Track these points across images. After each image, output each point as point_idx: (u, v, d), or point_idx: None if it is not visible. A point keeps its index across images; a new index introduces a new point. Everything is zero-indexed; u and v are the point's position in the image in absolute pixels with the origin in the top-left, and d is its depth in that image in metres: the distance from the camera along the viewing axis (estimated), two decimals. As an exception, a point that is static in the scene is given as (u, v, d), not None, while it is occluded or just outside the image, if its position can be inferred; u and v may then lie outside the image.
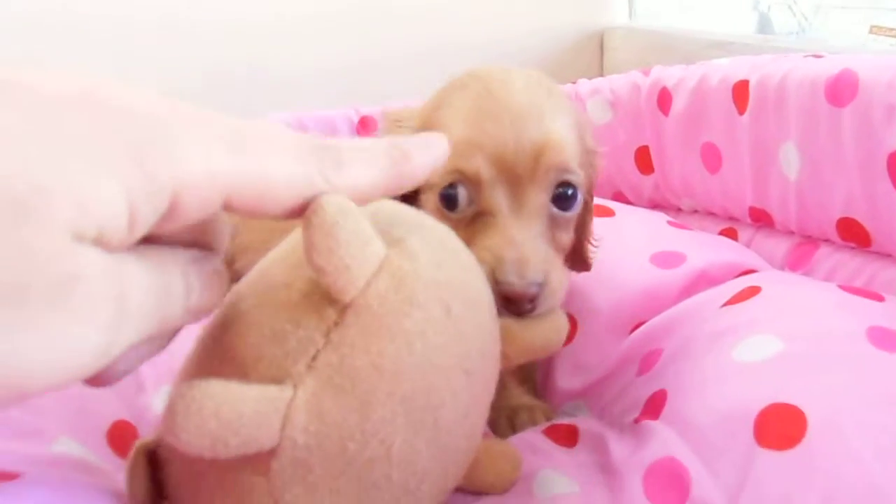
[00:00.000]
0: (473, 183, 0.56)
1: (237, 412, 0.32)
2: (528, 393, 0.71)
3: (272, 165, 0.31)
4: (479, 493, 0.52)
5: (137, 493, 0.38)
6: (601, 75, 1.11)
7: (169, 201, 0.27)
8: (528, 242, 0.54)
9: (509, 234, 0.54)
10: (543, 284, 0.52)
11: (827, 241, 0.77)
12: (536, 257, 0.53)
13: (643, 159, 0.98)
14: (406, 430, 0.36)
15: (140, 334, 0.28)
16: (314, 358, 0.34)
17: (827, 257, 0.77)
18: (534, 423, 0.65)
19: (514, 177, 0.56)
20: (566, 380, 0.70)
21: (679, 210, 0.97)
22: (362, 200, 0.35)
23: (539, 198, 0.57)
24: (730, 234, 0.89)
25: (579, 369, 0.70)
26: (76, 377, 0.26)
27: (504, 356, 0.45)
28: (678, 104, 0.90)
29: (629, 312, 0.71)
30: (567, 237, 0.60)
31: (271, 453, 0.34)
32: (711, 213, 0.93)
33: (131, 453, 0.38)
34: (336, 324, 0.35)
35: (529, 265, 0.52)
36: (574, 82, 1.08)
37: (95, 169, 0.25)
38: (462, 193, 0.56)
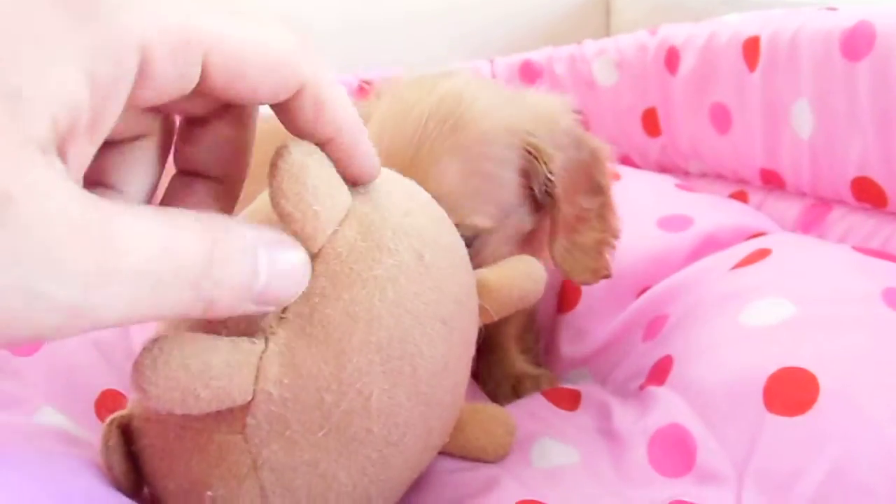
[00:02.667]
0: None
1: (206, 363, 0.30)
2: (530, 362, 0.69)
3: (257, 34, 0.28)
4: (473, 459, 0.50)
5: (115, 468, 0.37)
6: (608, 37, 1.08)
7: (139, 56, 0.24)
8: None
9: None
10: None
11: (840, 202, 0.74)
12: None
13: (650, 121, 0.95)
14: (383, 380, 0.34)
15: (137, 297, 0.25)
16: (284, 309, 0.34)
17: (840, 219, 0.74)
18: (538, 391, 0.64)
19: None
20: (569, 347, 0.68)
21: (687, 174, 0.95)
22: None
23: None
24: (740, 197, 0.86)
25: (583, 336, 0.68)
26: (42, 335, 0.24)
27: (483, 311, 0.44)
28: (686, 63, 0.87)
29: (634, 277, 0.69)
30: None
31: (245, 409, 0.33)
32: (721, 177, 0.90)
33: (104, 427, 0.37)
34: None
35: None
36: (579, 43, 1.04)
37: (35, 43, 0.22)
38: None
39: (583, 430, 0.54)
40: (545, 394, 0.60)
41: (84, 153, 0.25)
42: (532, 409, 0.57)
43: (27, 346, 0.52)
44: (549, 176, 0.55)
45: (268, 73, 0.29)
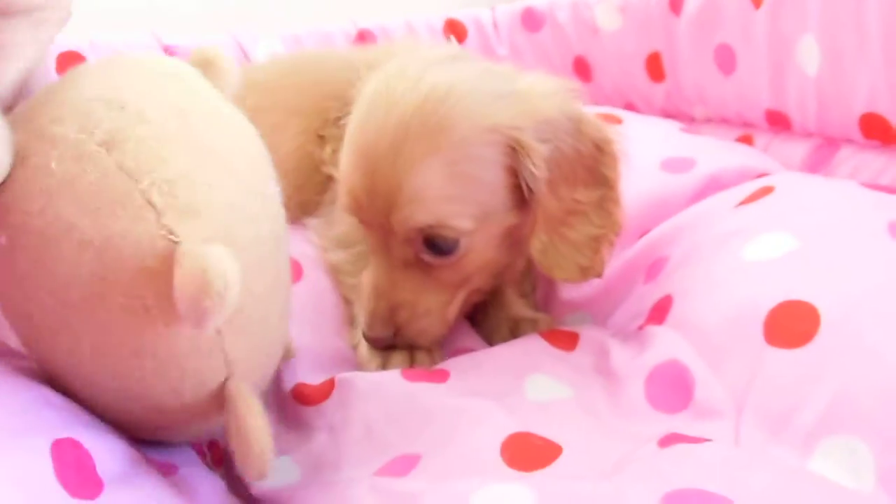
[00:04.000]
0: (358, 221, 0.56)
1: None
2: (529, 306, 0.68)
3: None
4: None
5: None
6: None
7: None
8: (386, 294, 0.56)
9: (373, 282, 0.56)
10: (396, 333, 0.56)
11: (848, 140, 0.72)
12: (384, 312, 0.56)
13: (654, 66, 0.93)
14: None
15: None
16: None
17: (848, 158, 0.72)
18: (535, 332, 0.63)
19: (377, 226, 0.54)
20: (568, 290, 0.66)
21: (692, 119, 0.93)
22: None
23: (399, 249, 0.55)
24: (745, 140, 0.84)
25: (582, 279, 0.67)
26: None
27: None
28: (690, 4, 0.85)
29: (635, 220, 0.67)
30: (455, 275, 0.56)
31: None
32: (726, 121, 0.88)
33: None
34: None
35: (377, 322, 0.56)
36: (582, -12, 1.02)
37: None
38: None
39: (578, 369, 0.54)
40: (543, 334, 0.59)
41: None
42: (526, 348, 0.56)
43: None
44: (532, 171, 0.52)
45: None
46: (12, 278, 0.38)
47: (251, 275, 0.40)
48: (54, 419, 0.38)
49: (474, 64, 0.58)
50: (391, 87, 0.54)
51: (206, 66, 0.47)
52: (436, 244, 0.54)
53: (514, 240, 0.58)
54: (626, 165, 0.57)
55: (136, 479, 0.39)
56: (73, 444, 0.36)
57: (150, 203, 0.37)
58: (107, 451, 0.38)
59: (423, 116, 0.52)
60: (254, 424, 0.41)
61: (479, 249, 0.56)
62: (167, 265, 0.35)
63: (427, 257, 0.54)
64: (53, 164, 0.37)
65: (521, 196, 0.55)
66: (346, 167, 0.55)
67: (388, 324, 0.56)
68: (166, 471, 0.44)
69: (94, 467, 0.36)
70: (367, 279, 0.57)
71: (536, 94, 0.55)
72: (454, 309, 0.58)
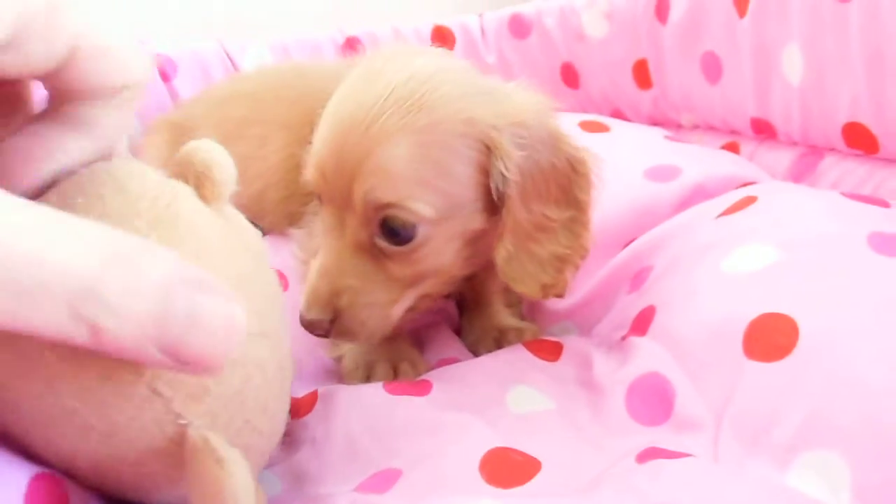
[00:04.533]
0: (319, 198, 0.54)
1: None
2: (515, 315, 0.68)
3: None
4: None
5: None
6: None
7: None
8: (330, 275, 0.53)
9: (322, 261, 0.53)
10: (333, 320, 0.52)
11: (832, 149, 0.73)
12: (326, 293, 0.52)
13: (641, 73, 0.93)
14: None
15: None
16: None
17: (832, 167, 0.72)
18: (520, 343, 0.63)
19: (338, 201, 0.52)
20: (554, 300, 0.67)
21: (679, 126, 0.93)
22: None
23: (355, 229, 0.52)
24: (731, 148, 0.84)
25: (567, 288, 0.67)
26: None
27: None
28: (676, 11, 0.85)
29: (620, 229, 0.67)
30: (408, 269, 0.53)
31: None
32: (712, 128, 0.88)
33: None
34: None
35: (316, 302, 0.52)
36: (569, -5, 1.02)
37: None
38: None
39: (560, 381, 0.54)
40: (526, 344, 0.59)
41: None
42: (510, 359, 0.56)
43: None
44: (504, 174, 0.51)
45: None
46: None
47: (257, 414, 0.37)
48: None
49: (463, 63, 0.58)
50: (377, 67, 0.53)
51: (194, 176, 0.38)
52: (392, 229, 0.51)
53: (476, 250, 0.56)
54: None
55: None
56: (54, 480, 0.36)
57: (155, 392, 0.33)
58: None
59: (403, 94, 0.51)
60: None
61: (437, 248, 0.53)
62: (177, 444, 0.33)
63: (381, 243, 0.52)
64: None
65: (489, 201, 0.53)
66: (318, 139, 0.54)
67: (326, 307, 0.52)
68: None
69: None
70: (315, 261, 0.55)
71: (518, 101, 0.54)
72: (399, 310, 0.55)
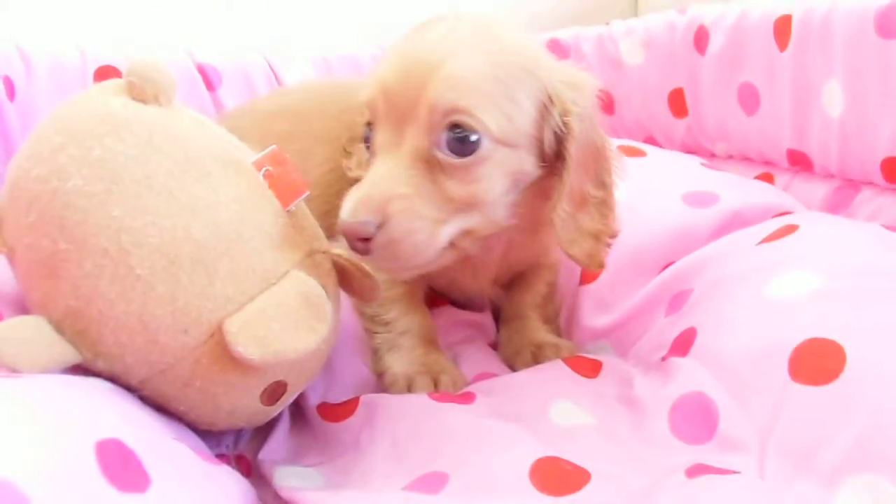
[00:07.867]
0: (373, 120, 0.54)
1: None
2: (552, 332, 0.69)
3: None
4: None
5: None
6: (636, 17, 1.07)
7: None
8: (383, 182, 0.51)
9: (374, 171, 0.52)
10: (380, 226, 0.49)
11: (869, 183, 0.74)
12: (378, 197, 0.50)
13: (677, 102, 0.95)
14: None
15: None
16: None
17: (868, 201, 0.73)
18: (558, 358, 0.64)
19: (399, 114, 0.52)
20: (591, 318, 0.67)
21: (713, 155, 0.94)
22: None
23: (416, 138, 0.51)
24: (766, 178, 0.85)
25: (604, 308, 0.68)
26: None
27: None
28: (715, 43, 0.86)
29: (658, 252, 0.68)
30: (462, 189, 0.52)
31: None
32: (747, 158, 0.89)
33: None
34: None
35: (364, 205, 0.50)
36: (607, 23, 1.04)
37: None
38: (368, 132, 0.55)
39: (602, 397, 0.54)
40: (566, 360, 0.60)
41: None
42: (551, 374, 0.57)
43: None
44: (561, 128, 0.53)
45: None
46: None
47: None
48: (96, 422, 0.39)
49: None
50: (436, 16, 0.56)
51: (147, 83, 0.50)
52: (457, 138, 0.51)
53: (521, 202, 0.56)
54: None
55: (180, 474, 0.39)
56: (117, 444, 0.37)
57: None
58: (150, 447, 0.39)
59: (475, 25, 0.54)
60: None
61: (491, 172, 0.53)
62: None
63: (441, 154, 0.52)
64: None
65: (542, 152, 0.55)
66: (379, 66, 0.54)
67: (376, 210, 0.50)
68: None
69: (139, 463, 0.37)
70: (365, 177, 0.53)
71: (577, 74, 0.57)
72: (445, 236, 0.53)
